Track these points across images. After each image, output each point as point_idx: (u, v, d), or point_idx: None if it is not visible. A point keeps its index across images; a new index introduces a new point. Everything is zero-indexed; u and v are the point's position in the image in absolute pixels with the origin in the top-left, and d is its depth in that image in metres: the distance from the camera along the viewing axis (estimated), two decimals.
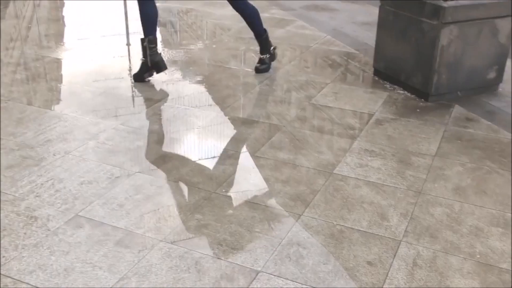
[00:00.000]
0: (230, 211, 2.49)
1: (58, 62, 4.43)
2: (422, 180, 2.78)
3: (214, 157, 2.98)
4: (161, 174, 2.79)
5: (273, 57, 4.29)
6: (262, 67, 4.22)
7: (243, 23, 4.20)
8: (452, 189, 2.71)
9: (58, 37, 5.14)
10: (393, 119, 3.46)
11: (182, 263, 2.15)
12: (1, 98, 3.66)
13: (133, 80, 4.00)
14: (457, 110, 3.62)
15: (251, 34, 4.24)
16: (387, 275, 2.12)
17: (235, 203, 2.55)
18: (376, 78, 4.14)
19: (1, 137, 3.13)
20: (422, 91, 3.74)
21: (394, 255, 2.23)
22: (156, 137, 3.19)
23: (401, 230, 2.39)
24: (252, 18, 4.08)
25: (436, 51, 3.55)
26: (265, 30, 4.19)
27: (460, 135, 3.27)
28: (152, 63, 3.90)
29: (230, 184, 2.71)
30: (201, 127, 3.33)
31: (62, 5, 6.48)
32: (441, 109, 3.63)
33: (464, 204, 2.59)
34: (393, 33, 3.90)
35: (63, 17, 5.93)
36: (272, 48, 4.26)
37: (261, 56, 4.24)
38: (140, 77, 3.98)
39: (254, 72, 4.21)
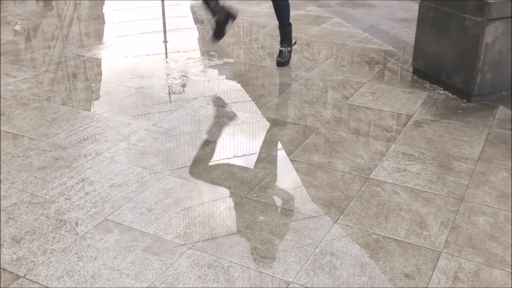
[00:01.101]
0: (262, 217, 2.41)
1: (95, 61, 4.43)
2: (464, 187, 2.64)
3: (246, 159, 2.90)
4: (191, 177, 2.73)
5: (291, 51, 4.31)
6: (284, 60, 4.21)
7: None
8: (496, 196, 2.56)
9: (97, 35, 5.16)
10: (433, 121, 3.31)
11: (210, 272, 2.08)
12: (37, 98, 3.68)
13: (213, 39, 4.10)
14: (502, 111, 3.44)
15: None
16: None
17: (266, 209, 2.47)
18: (415, 77, 3.98)
19: (35, 137, 3.13)
20: (464, 91, 3.57)
21: (434, 268, 2.11)
22: (188, 138, 3.13)
23: (441, 241, 2.26)
24: (283, 7, 4.07)
25: (480, 49, 3.38)
26: (290, 24, 4.18)
27: (505, 138, 3.10)
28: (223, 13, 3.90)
29: (262, 189, 2.63)
30: (233, 128, 3.26)
31: (102, 3, 6.53)
32: (484, 110, 3.46)
33: (509, 212, 2.44)
34: (433, 30, 3.74)
35: (103, 14, 5.96)
36: (293, 42, 4.30)
37: (282, 48, 4.22)
38: (220, 33, 4.02)
39: (276, 66, 4.21)
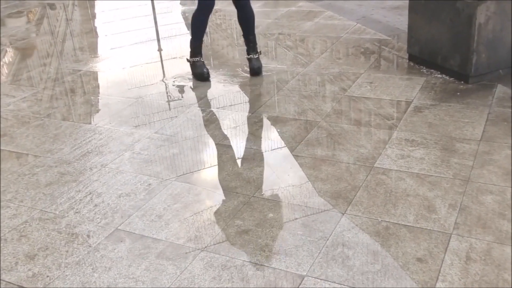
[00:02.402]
0: (271, 215, 2.43)
1: (91, 74, 4.46)
2: (469, 167, 2.65)
3: (250, 159, 2.92)
4: (198, 181, 2.75)
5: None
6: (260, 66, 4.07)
7: (270, 20, 4.13)
8: (502, 174, 2.57)
9: (91, 48, 5.18)
10: (433, 105, 3.33)
11: (224, 272, 2.10)
12: (38, 115, 3.70)
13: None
14: (501, 89, 3.45)
15: (279, 30, 4.16)
16: (439, 272, 2.01)
17: (275, 206, 2.49)
18: (412, 64, 4.00)
19: (39, 154, 3.15)
20: (461, 73, 3.58)
21: (446, 250, 2.12)
22: (191, 143, 3.15)
23: (450, 222, 2.28)
24: (252, 18, 4.02)
25: (473, 29, 3.39)
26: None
27: (506, 116, 3.11)
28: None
29: (269, 187, 2.64)
30: (235, 129, 3.27)
31: (94, 16, 6.55)
32: (483, 90, 3.47)
33: None
34: (426, 15, 3.75)
35: (95, 28, 5.98)
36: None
37: (258, 55, 4.08)
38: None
39: (251, 76, 4.04)
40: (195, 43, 4.04)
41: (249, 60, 4.10)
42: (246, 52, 4.12)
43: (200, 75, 4.03)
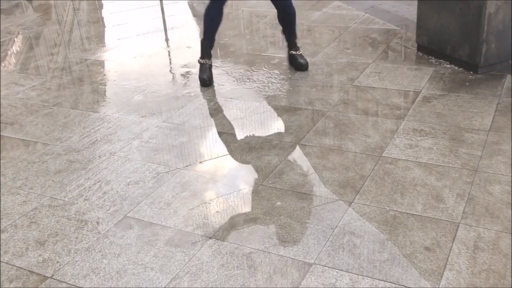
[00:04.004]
0: (279, 203, 2.44)
1: (99, 64, 4.47)
2: (477, 157, 2.64)
3: (258, 148, 2.93)
4: (206, 170, 2.76)
5: None
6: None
7: None
8: (510, 164, 2.56)
9: (99, 38, 5.19)
10: (442, 95, 3.32)
11: (233, 259, 2.11)
12: (46, 104, 3.72)
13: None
14: (510, 80, 3.43)
15: None
16: (447, 261, 2.02)
17: (283, 194, 2.50)
18: (420, 54, 3.98)
19: (49, 142, 3.17)
20: (471, 63, 3.56)
21: (453, 239, 2.13)
22: (199, 132, 3.16)
23: (458, 212, 2.28)
24: (294, 18, 3.87)
25: (483, 19, 3.37)
26: None
27: None
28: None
29: (277, 175, 2.65)
30: (243, 118, 3.28)
31: (101, 6, 6.55)
32: (492, 80, 3.45)
33: None
34: (435, 5, 3.73)
35: (102, 18, 5.99)
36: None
37: (300, 52, 3.99)
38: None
39: (298, 70, 3.91)
40: (204, 42, 3.82)
41: (293, 56, 3.95)
42: (288, 49, 3.99)
43: (202, 81, 3.79)
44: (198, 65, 3.88)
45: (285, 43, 4.03)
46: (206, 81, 3.79)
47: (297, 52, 3.98)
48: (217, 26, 3.81)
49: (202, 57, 3.87)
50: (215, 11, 3.75)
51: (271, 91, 3.61)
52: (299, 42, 4.07)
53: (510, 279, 1.91)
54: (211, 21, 3.78)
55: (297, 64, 3.94)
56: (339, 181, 2.56)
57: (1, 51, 4.97)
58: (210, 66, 3.87)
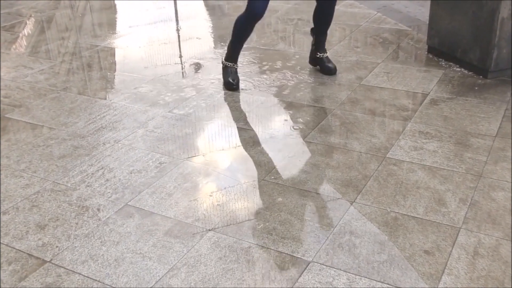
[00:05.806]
0: (280, 199, 2.43)
1: (109, 51, 4.47)
2: (482, 163, 2.63)
3: (262, 142, 2.92)
4: (209, 162, 2.76)
5: None
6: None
7: (290, 4, 4.09)
8: (511, 170, 2.55)
9: (110, 25, 5.19)
10: (450, 99, 3.30)
11: (231, 253, 2.12)
12: (54, 88, 3.73)
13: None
14: None
15: (299, 15, 4.12)
16: (446, 265, 2.01)
17: (284, 190, 2.49)
18: (430, 56, 3.95)
19: (54, 127, 3.18)
20: (481, 67, 3.54)
21: (453, 244, 2.12)
22: (204, 124, 3.16)
23: (460, 217, 2.27)
24: (331, 19, 3.70)
25: (495, 24, 3.34)
26: None
27: None
28: None
29: (279, 171, 2.64)
30: (249, 112, 3.27)
31: None
32: (501, 86, 3.42)
33: None
34: (448, 7, 3.70)
35: (115, 4, 5.98)
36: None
37: (327, 55, 3.83)
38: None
39: (326, 74, 3.75)
40: (233, 46, 3.61)
41: (320, 59, 3.77)
42: (314, 51, 3.80)
43: (228, 84, 3.60)
44: (208, 57, 3.83)
45: (312, 45, 3.82)
46: (234, 84, 3.60)
47: (325, 55, 3.78)
48: (248, 36, 3.61)
49: (228, 59, 3.66)
50: (249, 27, 3.53)
51: (279, 86, 3.60)
52: (311, 38, 4.04)
53: (510, 286, 1.90)
54: (244, 32, 3.56)
55: (325, 68, 3.76)
56: (341, 180, 2.55)
57: (8, 33, 4.97)
58: (236, 70, 3.69)
